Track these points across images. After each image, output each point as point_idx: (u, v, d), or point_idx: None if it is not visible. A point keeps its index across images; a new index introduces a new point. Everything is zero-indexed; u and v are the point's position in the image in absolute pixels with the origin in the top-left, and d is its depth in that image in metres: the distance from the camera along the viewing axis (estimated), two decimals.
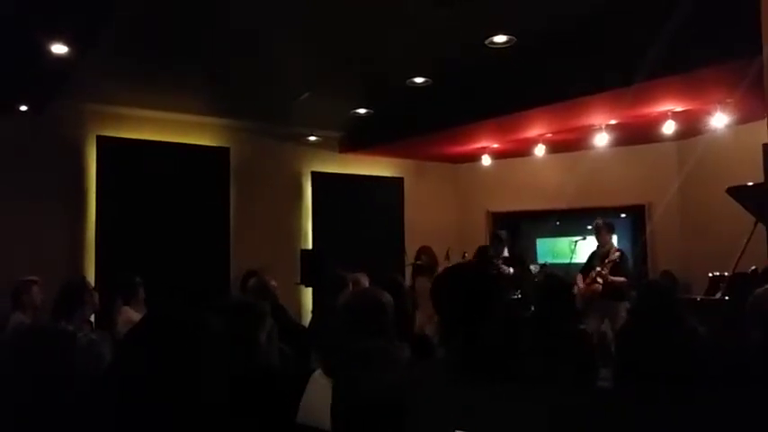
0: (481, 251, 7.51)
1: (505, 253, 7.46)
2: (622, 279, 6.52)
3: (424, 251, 6.88)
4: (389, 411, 1.84)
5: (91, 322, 4.40)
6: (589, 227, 7.03)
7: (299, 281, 7.77)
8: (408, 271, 7.47)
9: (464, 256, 7.42)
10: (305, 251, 8.16)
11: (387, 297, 2.40)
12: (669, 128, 6.80)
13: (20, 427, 1.78)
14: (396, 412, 1.75)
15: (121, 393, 1.99)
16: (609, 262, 6.54)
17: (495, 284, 2.02)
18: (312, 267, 7.54)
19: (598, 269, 6.54)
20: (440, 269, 6.89)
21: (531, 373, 1.87)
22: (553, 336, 3.41)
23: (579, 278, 6.64)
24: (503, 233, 7.72)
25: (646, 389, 3.35)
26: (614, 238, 7.37)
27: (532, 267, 7.91)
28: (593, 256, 6.84)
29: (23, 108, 6.32)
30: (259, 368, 2.71)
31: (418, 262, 7.07)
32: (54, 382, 1.86)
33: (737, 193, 5.94)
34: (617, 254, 6.64)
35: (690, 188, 8.13)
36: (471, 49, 5.72)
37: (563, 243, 8.86)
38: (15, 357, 1.94)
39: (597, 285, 6.54)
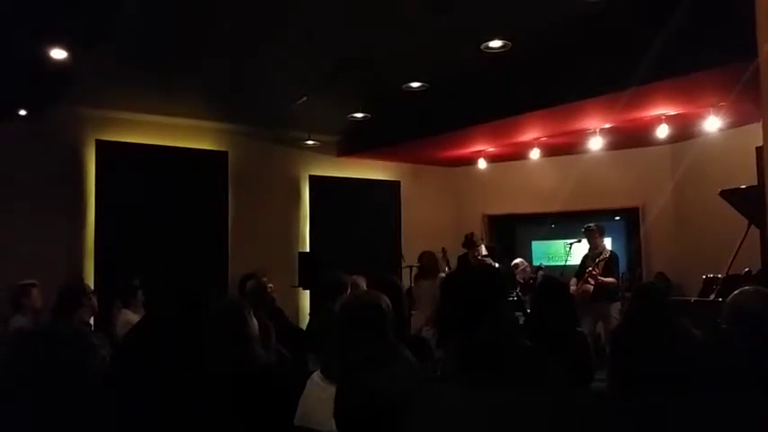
0: (461, 259, 7.58)
1: (483, 251, 7.50)
2: (612, 279, 6.58)
3: (427, 255, 6.91)
4: (391, 413, 1.87)
5: (90, 324, 4.42)
6: (583, 230, 7.07)
7: (296, 283, 7.80)
8: (405, 273, 7.50)
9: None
10: (303, 254, 8.18)
11: (385, 300, 2.42)
12: (663, 131, 6.85)
13: (23, 427, 1.81)
14: (397, 414, 1.79)
15: (120, 394, 2.03)
16: (600, 261, 6.60)
17: (499, 287, 2.05)
18: (310, 270, 7.56)
19: (589, 269, 6.60)
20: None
21: (529, 374, 1.90)
22: (551, 337, 3.44)
23: (573, 281, 6.68)
24: (475, 235, 7.79)
25: (639, 390, 3.39)
26: (608, 241, 7.40)
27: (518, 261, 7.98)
28: (585, 259, 6.88)
29: (23, 112, 6.32)
30: (257, 369, 2.73)
31: (419, 264, 7.09)
32: (56, 383, 1.88)
33: (731, 195, 6.00)
34: (608, 254, 6.69)
35: (683, 191, 8.19)
36: (467, 54, 5.76)
37: (558, 246, 8.92)
38: (19, 358, 1.96)
39: (588, 286, 6.60)
